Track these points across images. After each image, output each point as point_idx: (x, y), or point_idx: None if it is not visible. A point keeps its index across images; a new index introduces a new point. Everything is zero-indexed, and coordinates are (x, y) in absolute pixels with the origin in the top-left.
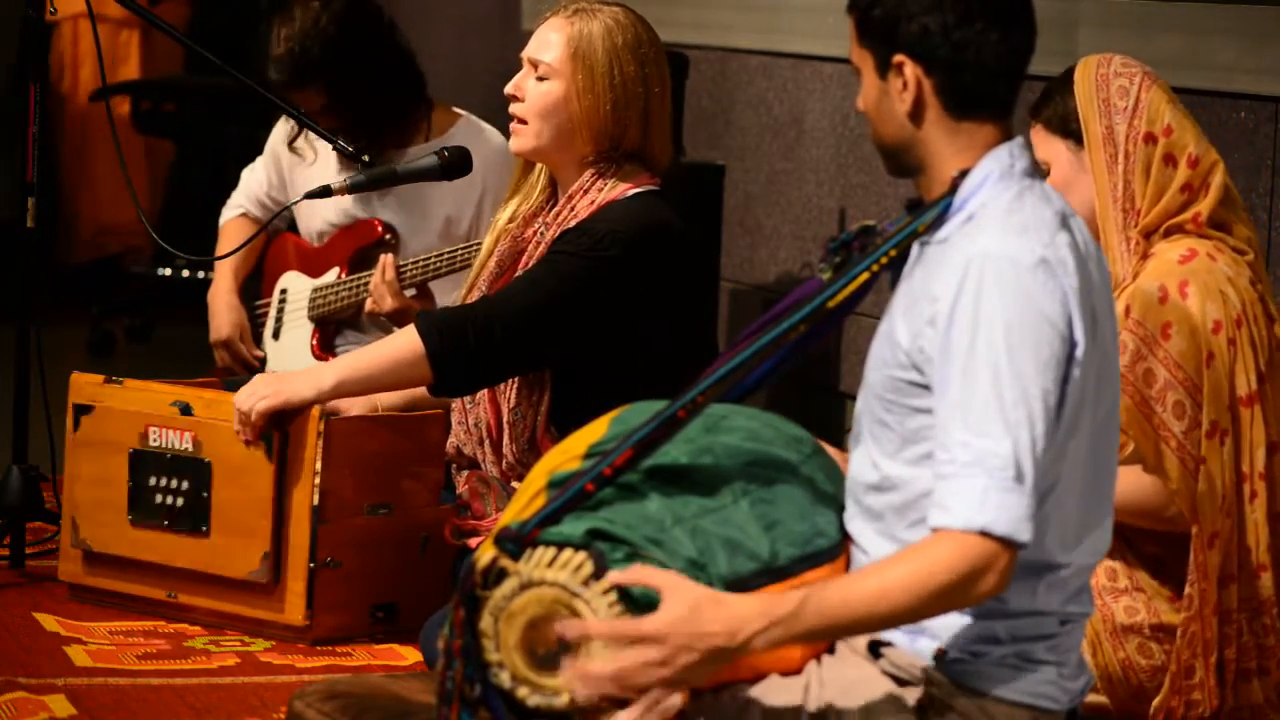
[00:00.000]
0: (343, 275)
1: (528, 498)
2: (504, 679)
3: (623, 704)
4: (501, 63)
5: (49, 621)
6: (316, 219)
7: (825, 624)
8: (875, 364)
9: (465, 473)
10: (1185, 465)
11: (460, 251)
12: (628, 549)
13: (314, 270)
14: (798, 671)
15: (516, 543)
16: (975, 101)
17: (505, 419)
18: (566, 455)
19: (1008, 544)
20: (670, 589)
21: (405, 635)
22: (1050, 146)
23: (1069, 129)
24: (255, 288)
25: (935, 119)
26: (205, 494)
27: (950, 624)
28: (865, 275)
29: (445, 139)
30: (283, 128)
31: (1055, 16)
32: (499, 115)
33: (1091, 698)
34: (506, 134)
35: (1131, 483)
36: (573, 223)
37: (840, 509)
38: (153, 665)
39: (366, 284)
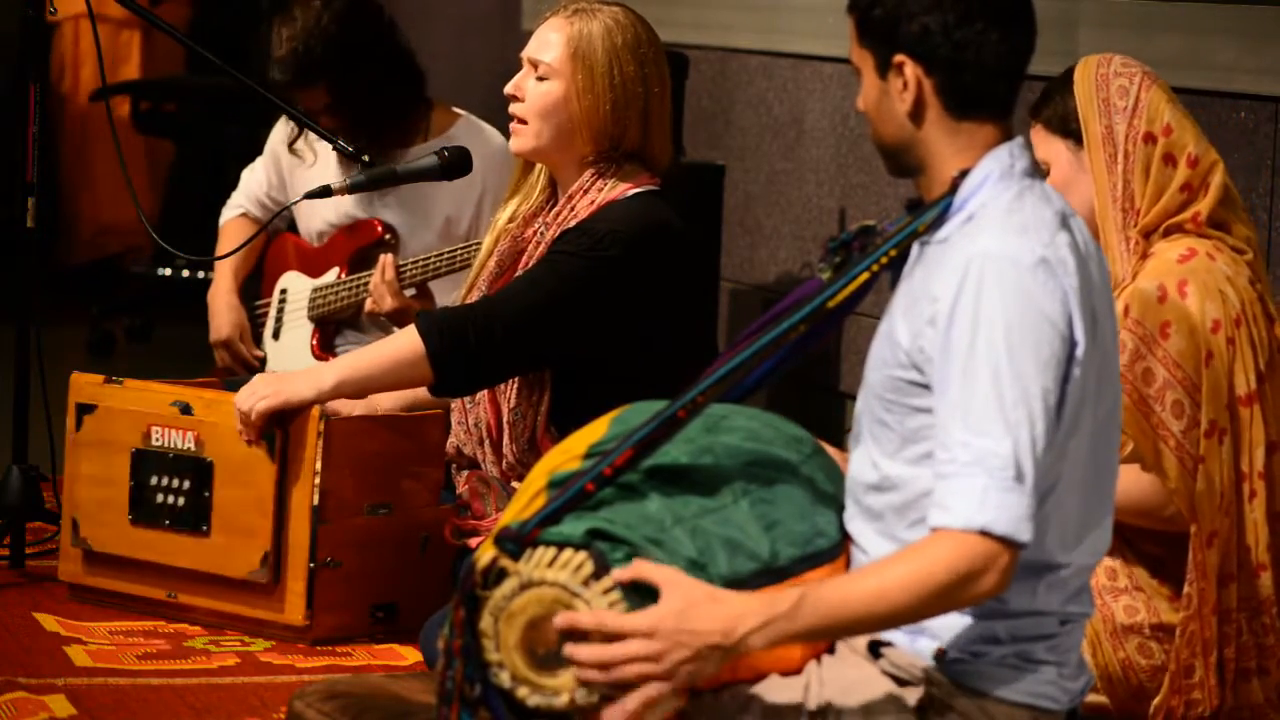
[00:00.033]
0: (342, 275)
1: (528, 498)
2: (504, 679)
3: None
4: (501, 63)
5: (49, 621)
6: (316, 219)
7: (822, 623)
8: (875, 364)
9: (465, 473)
10: (1184, 464)
11: (460, 251)
12: (628, 549)
13: (314, 270)
14: (798, 671)
15: (517, 542)
16: (975, 101)
17: (505, 419)
18: (567, 455)
19: (1008, 543)
20: (668, 585)
21: (405, 635)
22: (1050, 146)
23: (1069, 129)
24: (255, 288)
25: (935, 119)
26: (206, 493)
27: (950, 624)
28: (865, 275)
29: (445, 139)
30: (282, 128)
31: (1055, 16)
32: (499, 115)
33: (1091, 698)
34: (506, 134)
35: (1130, 481)
36: (573, 223)
37: (840, 509)
38: (153, 665)
39: (366, 284)
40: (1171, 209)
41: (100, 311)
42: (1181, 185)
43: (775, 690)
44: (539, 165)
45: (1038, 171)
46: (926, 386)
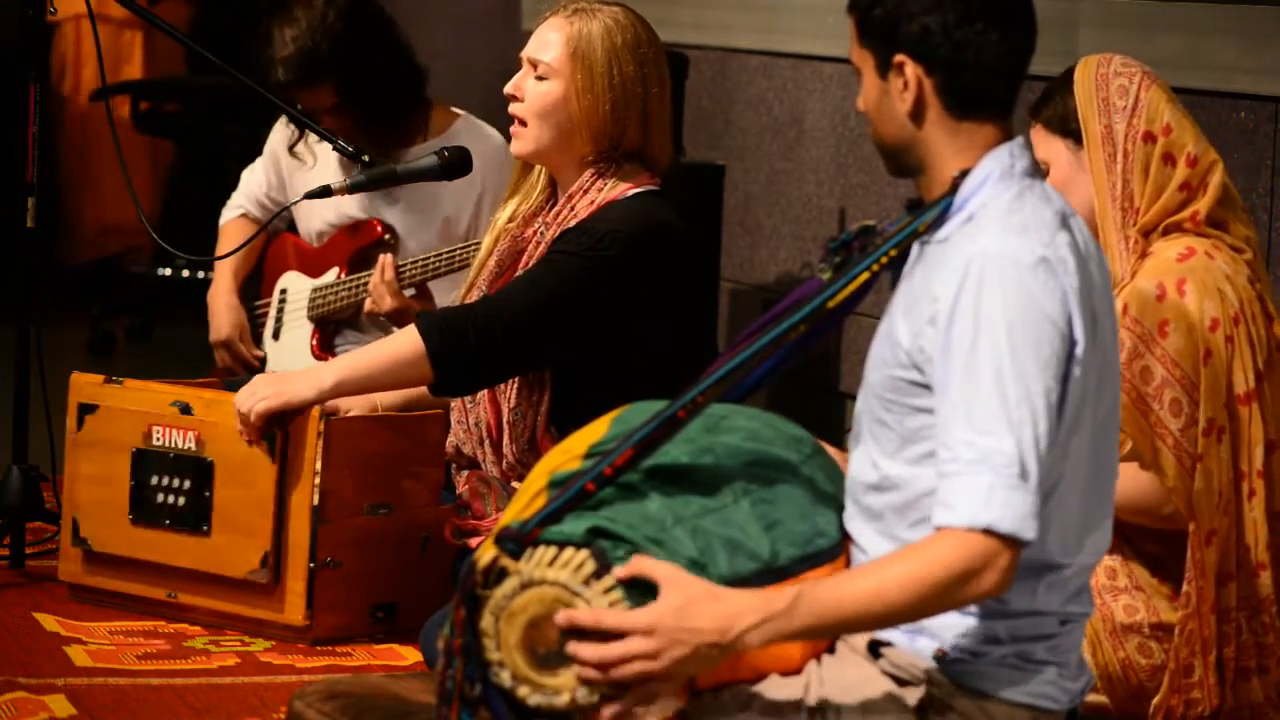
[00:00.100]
0: (342, 275)
1: (528, 497)
2: (504, 678)
3: None
4: (501, 63)
5: (49, 621)
6: (316, 219)
7: (820, 621)
8: (875, 364)
9: (465, 473)
10: (1182, 463)
11: (459, 251)
12: (629, 547)
13: (313, 270)
14: (798, 671)
15: (517, 542)
16: (976, 101)
17: (505, 419)
18: (567, 455)
19: (1011, 542)
20: (667, 582)
21: (405, 635)
22: (1050, 146)
23: (1068, 128)
24: (255, 288)
25: (936, 119)
26: (207, 493)
27: (950, 624)
28: (865, 275)
29: (444, 139)
30: (282, 129)
31: (1055, 16)
32: (499, 115)
33: (1091, 697)
34: (506, 134)
35: (1129, 480)
36: (572, 222)
37: (840, 509)
38: (153, 665)
39: (366, 284)
40: (1170, 208)
41: (100, 311)
42: (1180, 184)
43: (775, 689)
44: (539, 165)
45: (1038, 171)
46: (927, 386)
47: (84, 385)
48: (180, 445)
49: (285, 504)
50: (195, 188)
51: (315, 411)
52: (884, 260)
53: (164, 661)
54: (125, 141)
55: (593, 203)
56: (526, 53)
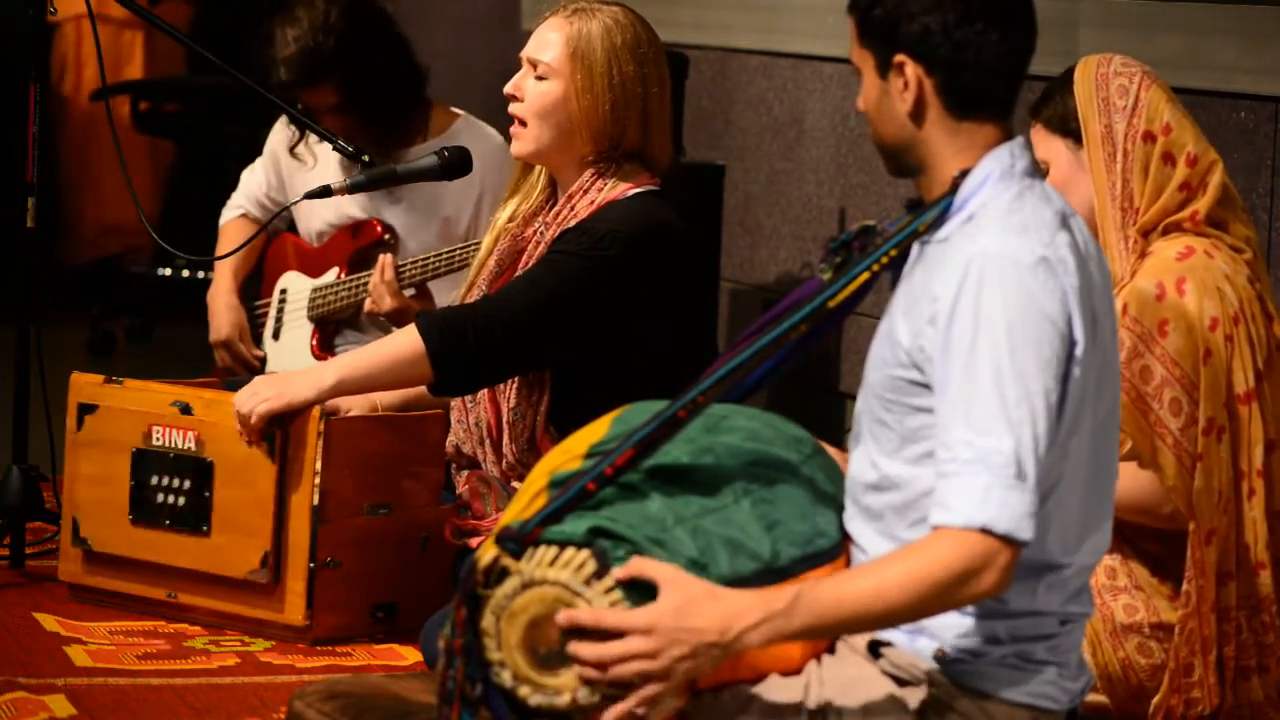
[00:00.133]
0: (342, 275)
1: (529, 497)
2: (505, 678)
3: None
4: (501, 63)
5: (49, 621)
6: (316, 219)
7: (819, 621)
8: (875, 363)
9: (465, 473)
10: (1182, 462)
11: (459, 251)
12: (629, 547)
13: (313, 270)
14: (798, 671)
15: (518, 542)
16: (976, 101)
17: (505, 419)
18: (568, 455)
19: (1009, 542)
20: (667, 582)
21: (405, 635)
22: (1050, 145)
23: (1068, 128)
24: (255, 288)
25: (936, 119)
26: (207, 493)
27: (950, 624)
28: (866, 275)
29: (444, 139)
30: (282, 129)
31: (1055, 16)
32: (499, 115)
33: (1091, 697)
34: (505, 134)
35: (1128, 479)
36: (572, 222)
37: (841, 509)
38: (153, 665)
39: (366, 284)
40: (1170, 208)
41: (100, 311)
42: (1180, 184)
43: (775, 690)
44: (539, 165)
45: (1038, 171)
46: (926, 386)
47: (84, 385)
48: (180, 445)
49: (285, 504)
50: (195, 188)
51: (315, 411)
52: (884, 260)
53: (164, 661)
54: (125, 141)
55: (593, 203)
56: (526, 53)
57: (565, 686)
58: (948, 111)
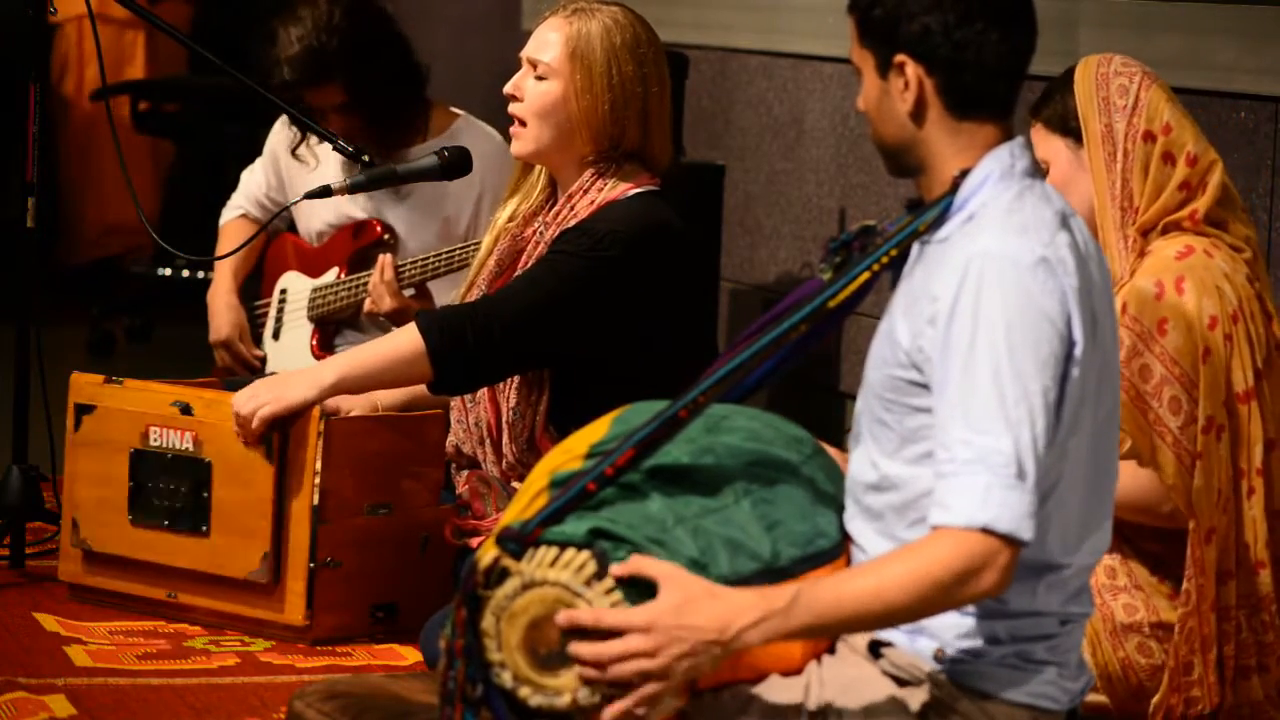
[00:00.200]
0: (342, 275)
1: (529, 497)
2: (506, 679)
3: None
4: (501, 63)
5: (49, 621)
6: (315, 219)
7: (819, 620)
8: (875, 363)
9: (465, 473)
10: (1181, 461)
11: (459, 251)
12: (630, 548)
13: (313, 270)
14: (798, 671)
15: (518, 542)
16: (976, 101)
17: (505, 419)
18: (568, 455)
19: (1009, 541)
20: (667, 579)
21: (405, 635)
22: (1050, 145)
23: (1068, 127)
24: (255, 288)
25: (936, 119)
26: (205, 494)
27: (950, 624)
28: (866, 275)
29: (444, 139)
30: (282, 130)
31: (1055, 16)
32: (499, 115)
33: (1091, 697)
34: (505, 134)
35: (1128, 478)
36: (572, 222)
37: (841, 509)
38: (153, 665)
39: (365, 284)
40: (1170, 207)
41: (100, 311)
42: (1180, 184)
43: (775, 690)
44: (539, 165)
45: (1038, 171)
46: (926, 386)
47: (84, 385)
48: (178, 446)
49: (285, 504)
50: (195, 188)
51: (315, 411)
52: (884, 260)
53: (164, 661)
54: (126, 142)
55: (592, 203)
56: (526, 53)
57: (565, 687)
58: (948, 111)
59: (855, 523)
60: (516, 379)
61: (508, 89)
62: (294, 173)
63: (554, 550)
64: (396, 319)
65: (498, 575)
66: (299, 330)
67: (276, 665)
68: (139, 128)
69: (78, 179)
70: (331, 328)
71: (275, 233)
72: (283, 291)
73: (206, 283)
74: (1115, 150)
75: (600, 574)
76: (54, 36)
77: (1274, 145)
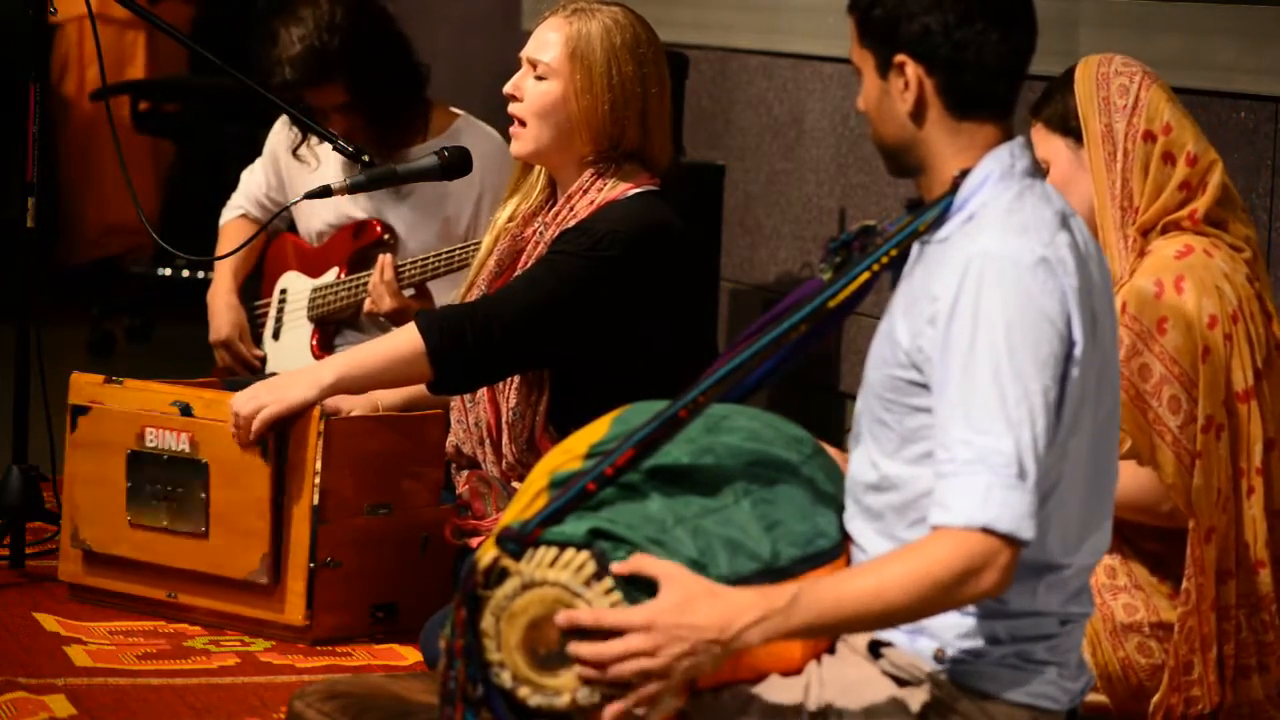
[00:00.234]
0: (342, 275)
1: (529, 497)
2: (505, 679)
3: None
4: (501, 63)
5: (49, 621)
6: (315, 219)
7: (819, 620)
8: (875, 363)
9: (465, 473)
10: (1181, 460)
11: (458, 251)
12: (629, 548)
13: (313, 270)
14: (798, 671)
15: (518, 542)
16: (976, 101)
17: (505, 419)
18: (568, 455)
19: (1010, 541)
20: (667, 578)
21: (405, 635)
22: (1050, 144)
23: (1069, 127)
24: (255, 288)
25: (936, 119)
26: (203, 495)
27: (950, 624)
28: (866, 275)
29: (444, 139)
30: (282, 130)
31: (1055, 16)
32: (499, 115)
33: (1091, 697)
34: (505, 134)
35: (1128, 477)
36: (572, 222)
37: (841, 509)
38: (153, 665)
39: (365, 284)
40: (1170, 207)
41: (100, 311)
42: (1180, 183)
43: (775, 690)
44: (538, 165)
45: (1038, 171)
46: (926, 386)
47: (83, 385)
48: (174, 447)
49: (283, 504)
50: (195, 188)
51: (315, 412)
52: (884, 260)
53: (164, 661)
54: (127, 142)
55: (592, 203)
56: (526, 53)
57: (565, 687)
58: (948, 111)
59: (855, 523)
60: (516, 379)
61: (507, 89)
62: (294, 173)
63: (553, 550)
64: (396, 319)
65: (497, 575)
66: (299, 330)
67: (276, 665)
68: (139, 128)
69: (78, 179)
70: (331, 328)
71: (275, 233)
72: (283, 291)
73: (206, 283)
74: (1115, 150)
75: (600, 574)
76: (55, 36)
77: (1274, 145)
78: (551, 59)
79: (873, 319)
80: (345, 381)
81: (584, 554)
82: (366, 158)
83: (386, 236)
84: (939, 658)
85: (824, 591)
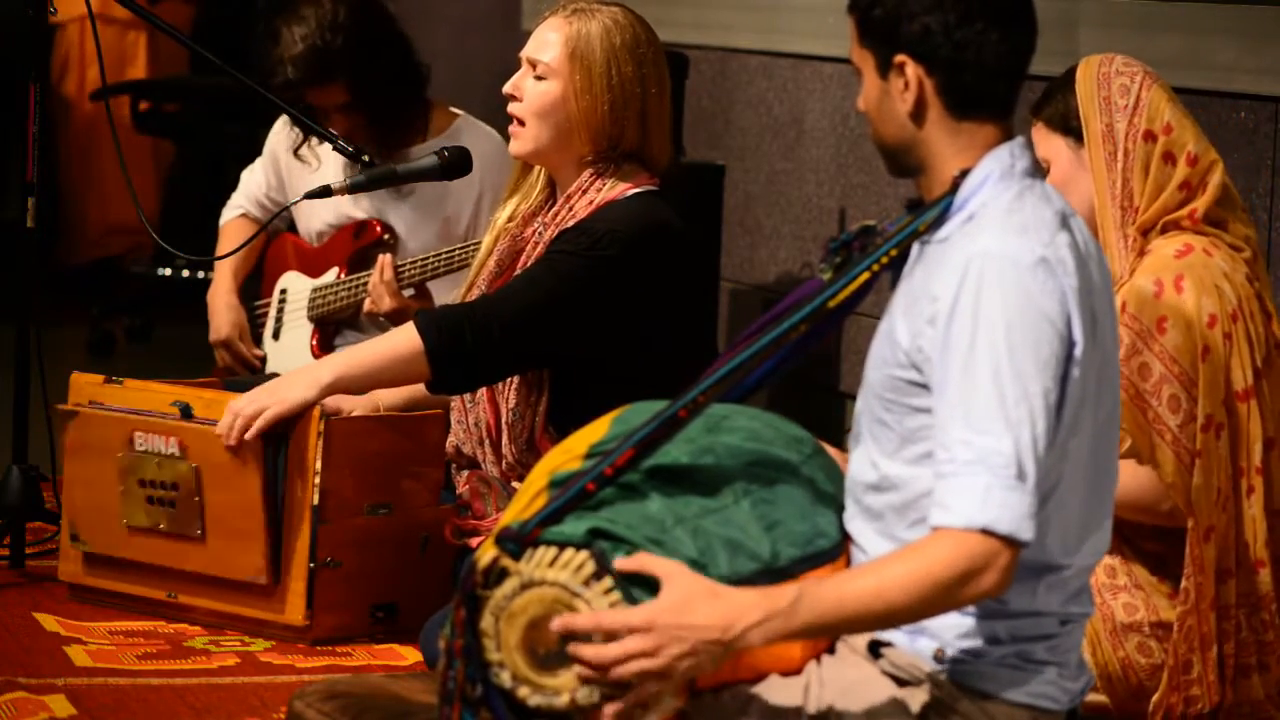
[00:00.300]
0: (342, 275)
1: (529, 497)
2: (505, 679)
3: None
4: (501, 63)
5: (49, 621)
6: (315, 219)
7: (820, 620)
8: (875, 363)
9: (465, 473)
10: (1180, 459)
11: (458, 251)
12: (629, 548)
13: (313, 270)
14: (798, 671)
15: (517, 542)
16: (976, 101)
17: (504, 419)
18: (568, 455)
19: (1009, 542)
20: (668, 578)
21: (405, 635)
22: (1050, 144)
23: (1069, 126)
24: (255, 288)
25: (936, 119)
26: (197, 498)
27: (950, 624)
28: (866, 275)
29: (444, 139)
30: (282, 130)
31: (1056, 16)
32: (499, 115)
33: (1091, 697)
34: (505, 134)
35: (1128, 477)
36: (571, 222)
37: (841, 509)
38: (153, 665)
39: (365, 284)
40: (1170, 207)
41: (100, 311)
42: (1180, 183)
43: (775, 691)
44: (538, 165)
45: (1038, 171)
46: (926, 386)
47: (83, 385)
48: (163, 451)
49: (281, 505)
50: (195, 188)
51: (315, 412)
52: (884, 260)
53: (164, 661)
54: (128, 142)
55: (591, 203)
56: (525, 53)
57: (564, 687)
58: (948, 111)
59: (855, 523)
60: (516, 379)
61: (507, 89)
62: (294, 173)
63: (553, 550)
64: (396, 319)
65: (497, 575)
66: (299, 330)
67: (276, 665)
68: (139, 128)
69: (79, 179)
70: (331, 328)
71: (275, 233)
72: (283, 291)
73: (206, 283)
74: (1116, 150)
75: (599, 574)
76: (55, 37)
77: (1274, 145)
78: (551, 59)
79: (873, 319)
80: (344, 381)
81: (583, 554)
82: (366, 158)
83: (386, 236)
84: (939, 658)
85: (826, 592)
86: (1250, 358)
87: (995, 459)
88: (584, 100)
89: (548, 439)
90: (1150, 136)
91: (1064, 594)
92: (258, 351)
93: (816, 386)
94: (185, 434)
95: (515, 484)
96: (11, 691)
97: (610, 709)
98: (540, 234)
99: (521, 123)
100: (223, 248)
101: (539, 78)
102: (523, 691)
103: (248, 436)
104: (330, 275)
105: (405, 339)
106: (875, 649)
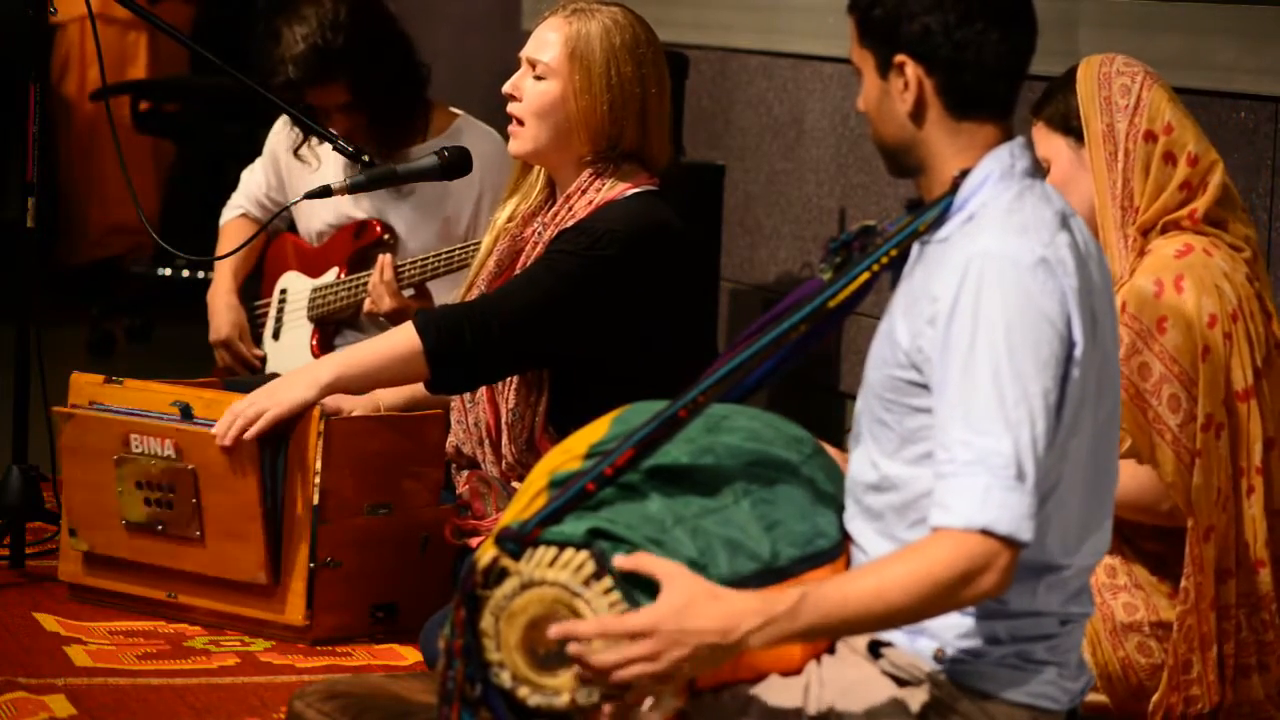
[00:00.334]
0: (342, 275)
1: (529, 497)
2: (505, 679)
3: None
4: (501, 63)
5: (49, 621)
6: (315, 219)
7: (822, 622)
8: (875, 363)
9: (465, 473)
10: (1180, 459)
11: (458, 251)
12: (629, 548)
13: (313, 270)
14: (798, 671)
15: (517, 542)
16: (976, 101)
17: (504, 419)
18: (568, 455)
19: (1009, 543)
20: (669, 579)
21: (405, 635)
22: (1051, 143)
23: (1070, 126)
24: (255, 288)
25: (936, 119)
26: (194, 500)
27: (950, 624)
28: (866, 275)
29: (444, 139)
30: (282, 130)
31: (1056, 16)
32: (499, 115)
33: (1091, 697)
34: (505, 134)
35: (1128, 476)
36: (571, 222)
37: (841, 509)
38: (153, 665)
39: (365, 284)
40: (1170, 207)
41: (100, 311)
42: (1181, 183)
43: (775, 692)
44: (537, 165)
45: (1038, 171)
46: (926, 386)
47: (83, 385)
48: (159, 453)
49: (279, 505)
50: (195, 188)
51: (315, 412)
52: (884, 260)
53: (164, 661)
54: (128, 142)
55: (591, 203)
56: (525, 52)
57: (564, 687)
58: (948, 111)
59: (855, 523)
60: (515, 379)
61: (506, 88)
62: (294, 173)
63: (553, 550)
64: (396, 319)
65: (496, 575)
66: (299, 330)
67: (276, 665)
68: (139, 128)
69: (80, 179)
70: (331, 328)
71: (275, 233)
72: (283, 291)
73: (206, 283)
74: (1116, 150)
75: (599, 574)
76: (55, 37)
77: (1274, 145)
78: (551, 59)
79: (873, 319)
80: (343, 380)
81: (583, 554)
82: (366, 158)
83: (386, 236)
84: (939, 658)
85: (828, 593)
86: (1250, 357)
87: (995, 459)
88: (583, 100)
89: (547, 439)
90: (1151, 137)
91: (1064, 594)
92: (258, 351)
93: (816, 386)
94: (180, 436)
95: (515, 484)
96: (11, 691)
97: (610, 709)
98: (540, 234)
99: (521, 123)
100: (223, 248)
101: (538, 78)
102: (522, 691)
103: (246, 438)
104: (330, 275)
105: (404, 339)
106: (875, 649)
